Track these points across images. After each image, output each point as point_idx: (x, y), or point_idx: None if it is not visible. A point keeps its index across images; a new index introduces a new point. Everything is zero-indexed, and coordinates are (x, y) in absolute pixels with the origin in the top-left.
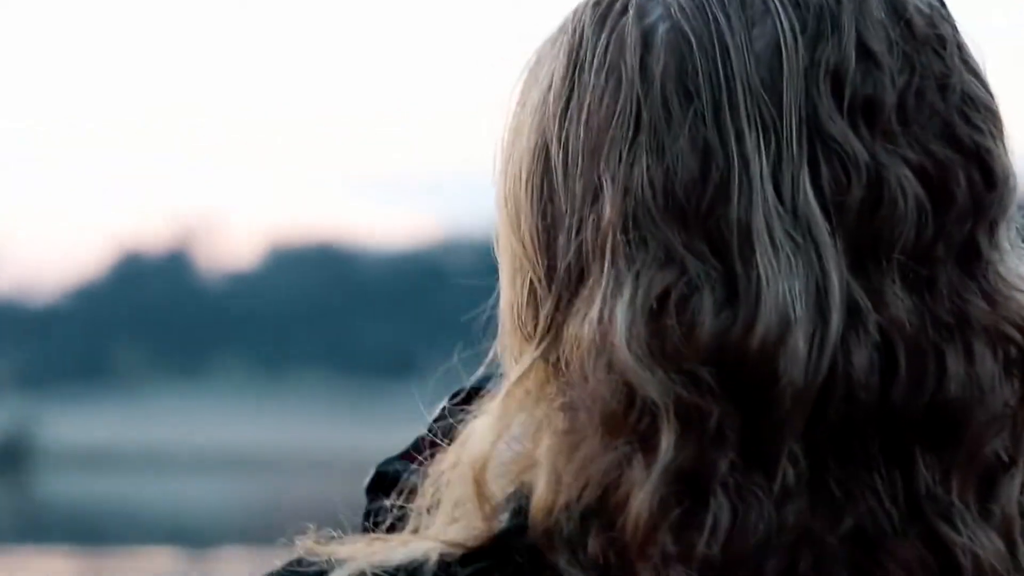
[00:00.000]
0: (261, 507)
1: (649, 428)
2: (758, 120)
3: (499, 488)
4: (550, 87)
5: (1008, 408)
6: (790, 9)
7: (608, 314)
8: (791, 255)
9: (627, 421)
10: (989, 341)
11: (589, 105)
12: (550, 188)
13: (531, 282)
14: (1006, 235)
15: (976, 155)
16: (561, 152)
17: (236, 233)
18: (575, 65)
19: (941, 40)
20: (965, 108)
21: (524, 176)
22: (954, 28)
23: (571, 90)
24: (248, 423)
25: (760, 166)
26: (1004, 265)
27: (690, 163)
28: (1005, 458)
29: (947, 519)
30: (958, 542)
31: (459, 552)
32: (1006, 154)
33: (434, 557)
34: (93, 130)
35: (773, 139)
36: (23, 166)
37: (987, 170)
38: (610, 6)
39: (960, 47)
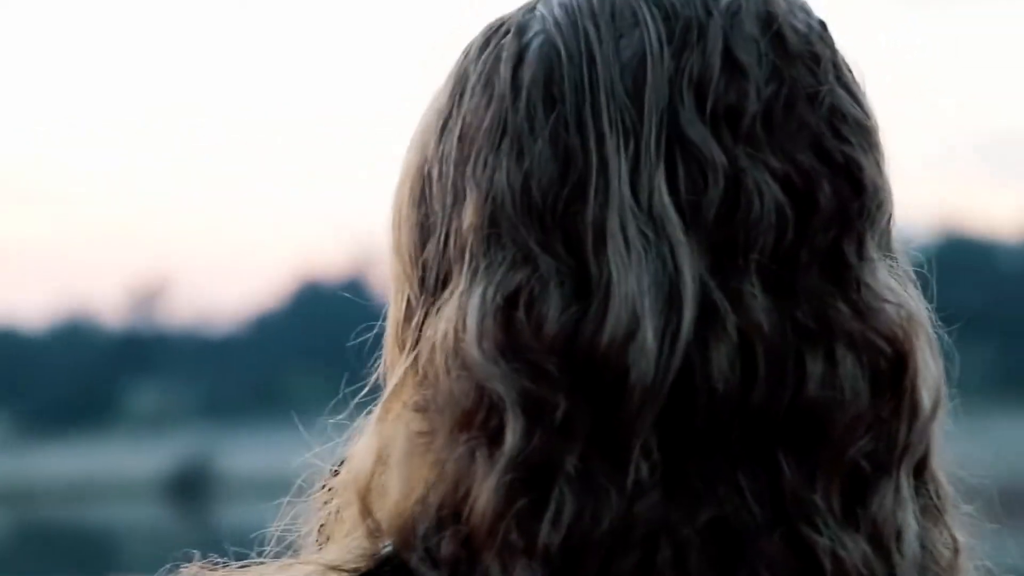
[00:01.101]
0: None
1: (497, 423)
2: (619, 124)
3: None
4: (437, 107)
5: (877, 417)
6: (659, 22)
7: (461, 313)
8: (642, 252)
9: (476, 417)
10: (853, 348)
11: (463, 119)
12: (425, 203)
13: (408, 297)
14: (876, 248)
15: (844, 167)
16: (436, 167)
17: None
18: (459, 84)
19: (815, 57)
20: (835, 121)
21: (405, 194)
22: (832, 48)
23: (451, 107)
24: None
25: (618, 167)
26: (873, 277)
27: (549, 166)
28: (874, 465)
29: (808, 520)
30: (819, 543)
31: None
32: (879, 170)
33: None
34: (270, 158)
35: (632, 142)
36: (201, 194)
37: (855, 182)
38: (496, 29)
39: (836, 65)
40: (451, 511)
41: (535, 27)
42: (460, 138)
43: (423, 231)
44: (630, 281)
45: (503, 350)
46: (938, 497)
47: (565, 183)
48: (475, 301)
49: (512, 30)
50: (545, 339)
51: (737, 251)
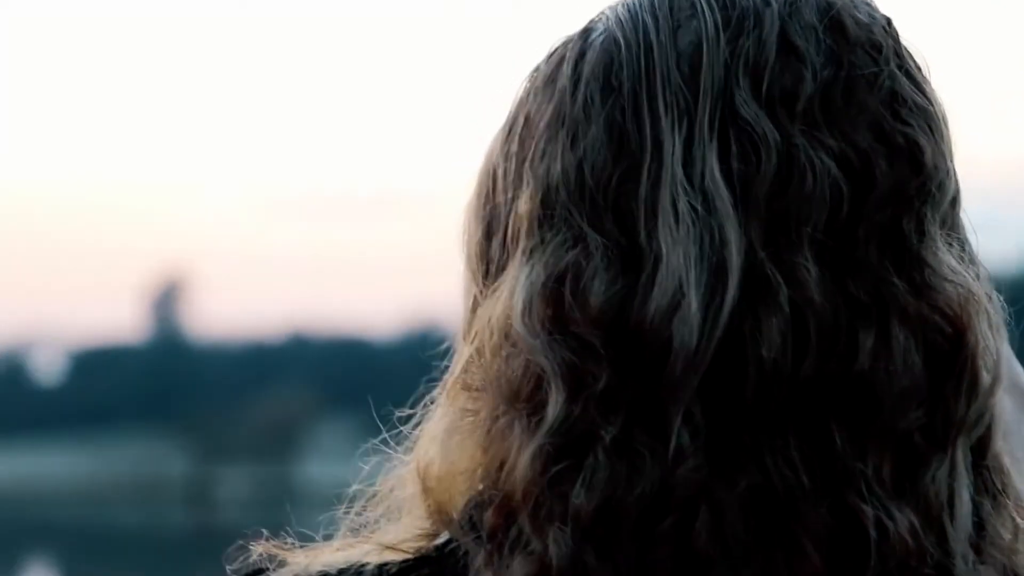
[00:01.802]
0: None
1: (542, 396)
2: (675, 107)
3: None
4: (507, 113)
5: (933, 392)
6: (716, 11)
7: (511, 293)
8: (691, 226)
9: (522, 391)
10: (908, 324)
11: (527, 116)
12: (491, 201)
13: (474, 292)
14: (937, 228)
15: (903, 147)
16: (501, 165)
17: None
18: (527, 89)
19: (875, 44)
20: (895, 105)
21: (472, 199)
22: (895, 39)
23: (517, 110)
24: None
25: (672, 147)
26: (933, 255)
27: (602, 149)
28: (928, 440)
29: (856, 489)
30: (865, 512)
31: (399, 557)
32: (941, 153)
33: (374, 561)
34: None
35: (686, 123)
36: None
37: (914, 162)
38: (571, 35)
39: (898, 54)
40: (493, 483)
41: (599, 27)
42: (522, 134)
43: (488, 227)
44: (677, 254)
45: (548, 325)
46: (1000, 479)
47: (618, 164)
48: (524, 280)
49: (578, 33)
50: (590, 313)
51: (790, 225)
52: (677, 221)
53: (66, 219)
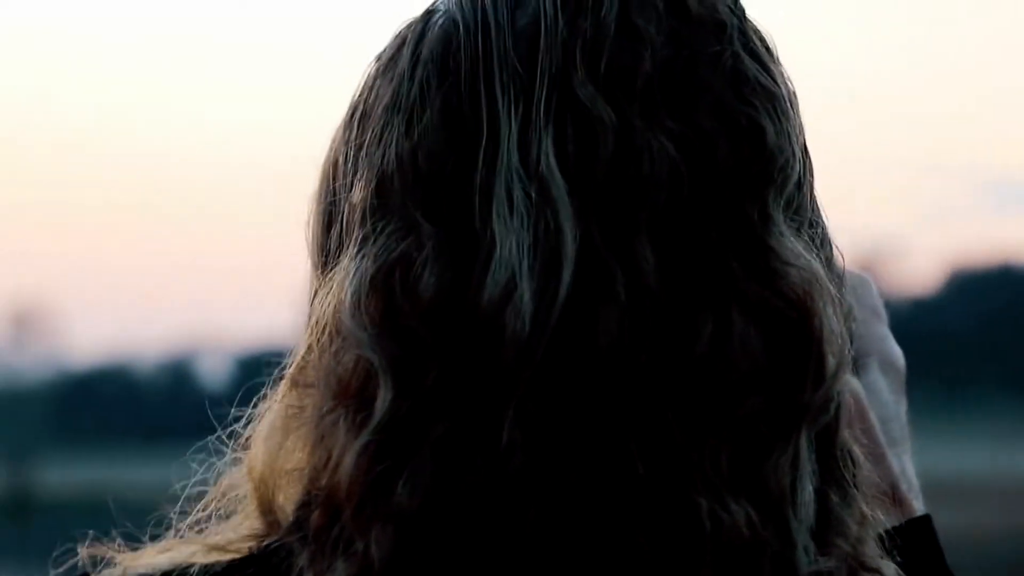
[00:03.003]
0: (949, 538)
1: (369, 391)
2: (511, 90)
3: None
4: (350, 101)
5: (774, 380)
6: None
7: (341, 286)
8: (525, 214)
9: (351, 387)
10: (749, 312)
11: (365, 102)
12: (331, 192)
13: (314, 285)
14: (782, 212)
15: (745, 129)
16: (341, 155)
17: (918, 258)
18: (371, 73)
19: (718, 23)
20: (738, 85)
21: (315, 190)
22: (740, 17)
23: (358, 96)
24: (929, 451)
25: (508, 132)
26: (777, 240)
27: (437, 134)
28: (769, 428)
29: (694, 481)
30: (703, 505)
31: (226, 557)
32: (786, 135)
33: (200, 562)
34: None
35: (522, 107)
36: None
37: (757, 144)
38: (415, 17)
39: (743, 32)
40: (319, 481)
41: (440, 8)
42: (361, 121)
43: (328, 219)
44: (510, 243)
45: (378, 318)
46: (848, 469)
47: (453, 150)
48: (353, 272)
49: (420, 15)
50: (420, 305)
51: (628, 210)
52: (511, 209)
53: (230, 228)
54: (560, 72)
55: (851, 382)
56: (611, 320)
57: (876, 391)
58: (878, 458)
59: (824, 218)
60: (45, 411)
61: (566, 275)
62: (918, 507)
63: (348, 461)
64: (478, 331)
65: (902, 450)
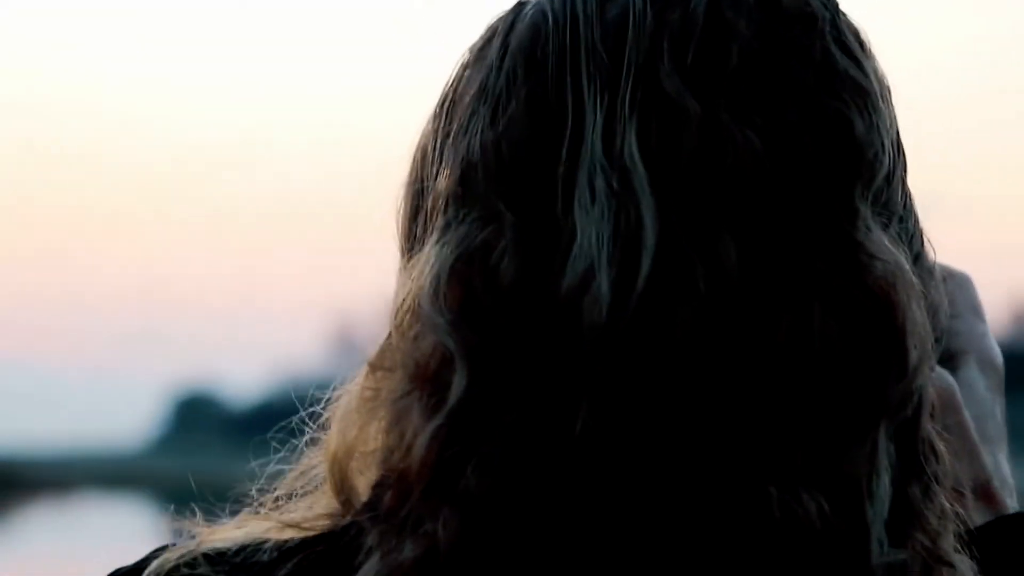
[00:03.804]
0: None
1: (446, 376)
2: (597, 82)
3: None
4: (443, 89)
5: (855, 372)
6: None
7: (421, 272)
8: (606, 204)
9: (427, 371)
10: (831, 305)
11: (456, 93)
12: (419, 180)
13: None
14: (868, 207)
15: (832, 123)
16: (430, 143)
17: None
18: (462, 64)
19: (810, 16)
20: (827, 79)
21: (405, 178)
22: (833, 12)
23: (449, 87)
24: None
25: (593, 123)
26: (863, 234)
27: (522, 124)
28: (848, 421)
29: (766, 473)
30: (773, 495)
31: (299, 535)
32: (875, 130)
33: (274, 538)
34: None
35: (607, 98)
36: None
37: (844, 138)
38: (506, 10)
39: (835, 27)
40: (393, 463)
41: (531, 1)
42: (450, 110)
43: (415, 206)
44: (590, 233)
45: (456, 304)
46: (931, 463)
47: (537, 140)
48: (435, 258)
49: (512, 7)
50: (498, 293)
51: (711, 202)
52: (593, 199)
53: None
54: (647, 64)
55: (946, 377)
56: (689, 312)
57: (972, 388)
58: (971, 454)
59: (915, 213)
60: None
61: (645, 266)
62: (1011, 505)
63: (420, 443)
64: (555, 320)
65: (997, 448)
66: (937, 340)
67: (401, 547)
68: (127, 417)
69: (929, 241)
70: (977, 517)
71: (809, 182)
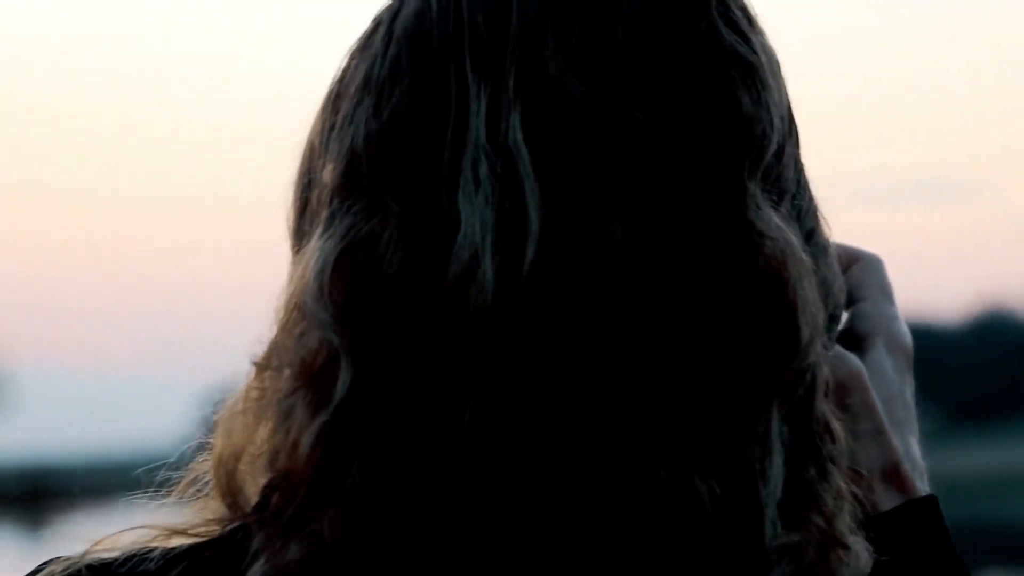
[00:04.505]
0: None
1: (331, 373)
2: (481, 67)
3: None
4: (330, 83)
5: (746, 350)
6: None
7: (305, 267)
8: (489, 191)
9: (313, 368)
10: (721, 284)
11: (341, 85)
12: (307, 177)
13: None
14: (758, 184)
15: (720, 102)
16: (317, 139)
17: None
18: (348, 56)
19: None
20: (713, 55)
21: (293, 177)
22: None
23: (338, 78)
24: None
25: (477, 109)
26: (753, 212)
27: (406, 113)
28: (738, 401)
29: (655, 457)
30: (664, 480)
31: (187, 541)
32: (762, 105)
33: (160, 546)
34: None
35: (492, 82)
36: None
37: (731, 115)
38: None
39: (722, 3)
40: (278, 464)
41: None
42: (334, 103)
43: (302, 202)
44: (474, 220)
45: (340, 299)
46: (827, 443)
47: (421, 128)
48: (318, 252)
49: None
50: (383, 285)
51: (596, 184)
52: (477, 186)
53: None
54: (531, 46)
55: (852, 359)
56: (575, 297)
57: (880, 370)
58: (880, 436)
59: (808, 189)
60: None
61: (530, 251)
62: (922, 488)
63: (305, 442)
64: (441, 310)
65: (907, 431)
66: (833, 318)
67: (287, 548)
68: (165, 422)
69: (824, 218)
70: (886, 500)
71: (696, 160)
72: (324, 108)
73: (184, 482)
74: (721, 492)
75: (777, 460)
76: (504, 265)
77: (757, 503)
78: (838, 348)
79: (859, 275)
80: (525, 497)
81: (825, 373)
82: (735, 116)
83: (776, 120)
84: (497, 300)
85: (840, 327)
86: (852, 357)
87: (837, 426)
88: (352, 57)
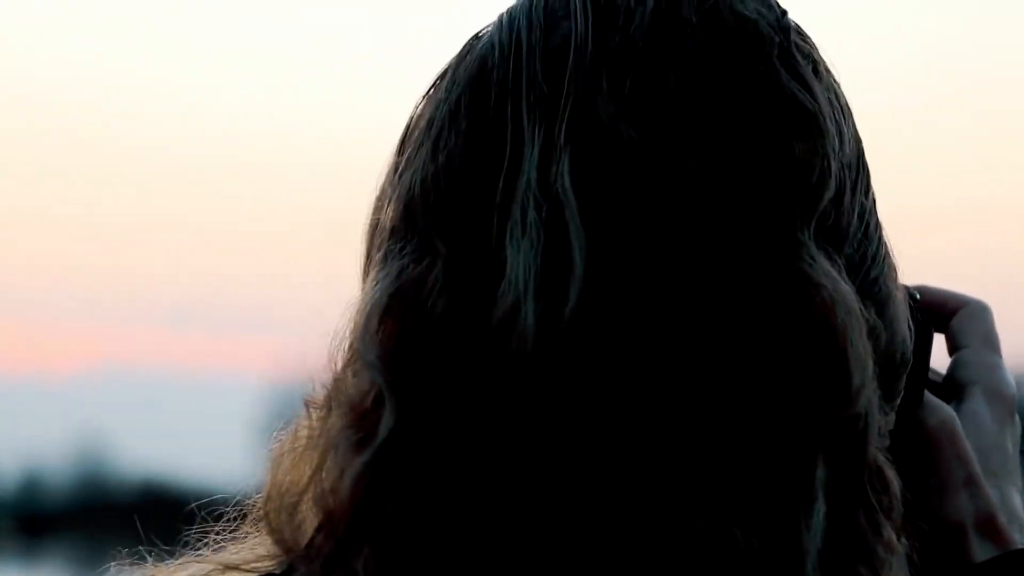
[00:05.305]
0: None
1: (378, 414)
2: (536, 112)
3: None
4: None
5: (793, 399)
6: (589, 10)
7: (358, 307)
8: (535, 236)
9: (360, 408)
10: (770, 332)
11: (408, 130)
12: (374, 224)
13: None
14: (811, 231)
15: (775, 148)
16: (387, 181)
17: None
18: (419, 100)
19: (757, 38)
20: (770, 103)
21: (366, 220)
22: (783, 33)
23: (407, 123)
24: None
25: (530, 154)
26: (806, 261)
27: (461, 157)
28: (785, 448)
29: (694, 505)
30: (700, 528)
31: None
32: (818, 154)
33: None
34: None
35: (545, 127)
36: None
37: (786, 164)
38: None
39: (784, 48)
40: (325, 503)
41: (484, 32)
42: (401, 148)
43: (369, 244)
44: (519, 265)
45: (387, 341)
46: (879, 493)
47: (475, 173)
48: (370, 293)
49: (467, 41)
50: (430, 328)
51: (644, 231)
52: (524, 231)
53: None
54: (585, 92)
55: (944, 409)
56: (619, 343)
57: (977, 419)
58: (971, 487)
59: (876, 236)
60: None
61: (572, 297)
62: (1019, 540)
63: (346, 482)
64: (484, 354)
65: (1004, 481)
66: (898, 367)
67: None
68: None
69: (895, 266)
70: (980, 552)
71: (746, 208)
72: (394, 152)
73: (248, 518)
74: (760, 540)
75: (820, 508)
76: (546, 310)
77: (798, 552)
78: (930, 397)
79: (963, 322)
80: (559, 543)
81: (879, 421)
82: (787, 164)
83: (834, 167)
84: (538, 345)
85: (940, 375)
86: (943, 406)
87: (891, 475)
88: (420, 102)
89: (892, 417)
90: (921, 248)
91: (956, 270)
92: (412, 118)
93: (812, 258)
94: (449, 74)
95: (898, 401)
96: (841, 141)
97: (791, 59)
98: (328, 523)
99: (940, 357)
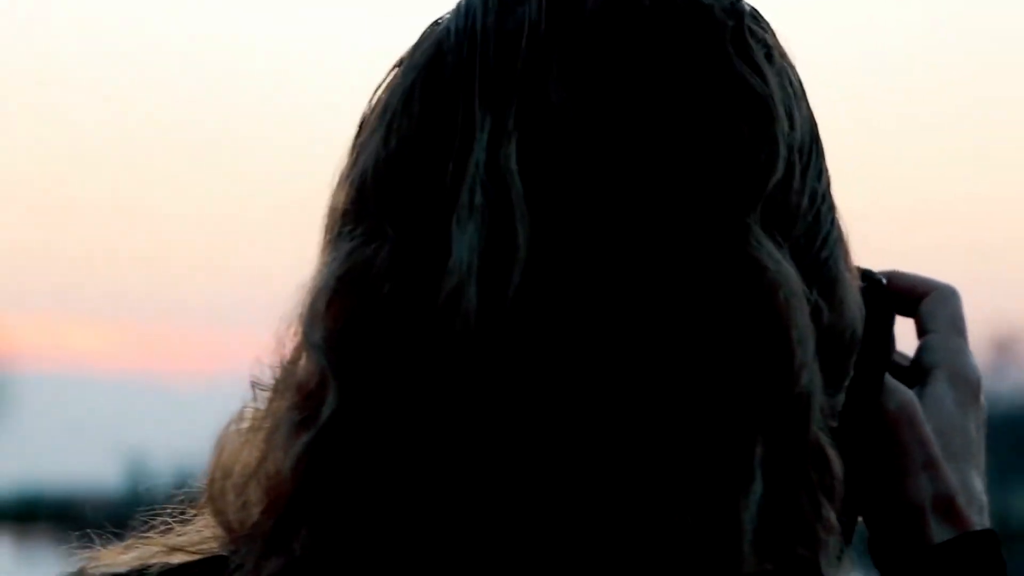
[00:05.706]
0: None
1: (322, 395)
2: (488, 95)
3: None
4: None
5: (732, 381)
6: None
7: (304, 292)
8: (481, 218)
9: (306, 390)
10: (712, 313)
11: (366, 116)
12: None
13: None
14: (757, 215)
15: (725, 136)
16: (344, 166)
17: None
18: (379, 85)
19: (709, 23)
20: (721, 89)
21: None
22: (738, 19)
23: (365, 110)
24: None
25: (481, 136)
26: (750, 244)
27: (412, 142)
28: (724, 430)
29: (633, 491)
30: (642, 511)
31: (186, 558)
32: (765, 139)
33: (159, 562)
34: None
35: (495, 110)
36: None
37: (736, 150)
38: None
39: (737, 33)
40: (270, 485)
41: (443, 19)
42: (359, 134)
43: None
44: (463, 247)
45: (333, 324)
46: (818, 472)
47: (425, 158)
48: (317, 277)
49: (426, 28)
50: (374, 309)
51: (588, 213)
52: (471, 213)
53: None
54: (536, 75)
55: (904, 392)
56: (561, 323)
57: (939, 403)
58: (930, 469)
59: (828, 218)
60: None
61: (515, 277)
62: (978, 522)
63: (287, 463)
64: (427, 336)
65: (965, 464)
66: (843, 348)
67: (263, 566)
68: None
69: (848, 249)
70: (939, 534)
71: (693, 191)
72: (353, 138)
73: (181, 497)
74: (696, 518)
75: (758, 487)
76: (490, 292)
77: (735, 530)
78: (890, 381)
79: (931, 306)
80: (496, 523)
81: (822, 401)
82: (735, 147)
83: (783, 151)
84: (480, 326)
85: (904, 359)
86: (903, 390)
87: (833, 456)
88: (379, 87)
89: (840, 399)
90: (911, 244)
91: (939, 265)
92: (370, 103)
93: (758, 241)
94: (406, 60)
95: (847, 383)
96: (792, 125)
97: (743, 43)
98: (270, 504)
99: (911, 342)
